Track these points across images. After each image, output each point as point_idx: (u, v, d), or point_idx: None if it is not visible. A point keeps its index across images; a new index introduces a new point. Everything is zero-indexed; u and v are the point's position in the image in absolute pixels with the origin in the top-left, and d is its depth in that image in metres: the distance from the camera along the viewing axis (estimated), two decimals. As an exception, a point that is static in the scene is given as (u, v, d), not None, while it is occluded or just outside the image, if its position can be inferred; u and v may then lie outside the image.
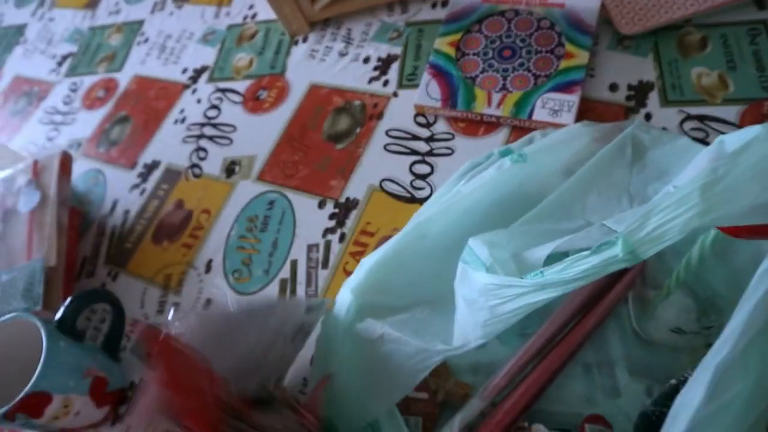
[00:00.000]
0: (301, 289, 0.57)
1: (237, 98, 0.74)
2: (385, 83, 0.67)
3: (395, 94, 0.66)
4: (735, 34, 0.58)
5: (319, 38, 0.75)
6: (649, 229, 0.28)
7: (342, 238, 0.58)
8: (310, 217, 0.61)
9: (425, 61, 0.66)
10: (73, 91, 0.88)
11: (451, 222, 0.48)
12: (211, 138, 0.72)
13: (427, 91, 0.61)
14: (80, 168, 0.78)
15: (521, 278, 0.34)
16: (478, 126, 0.60)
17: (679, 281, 0.41)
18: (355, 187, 0.61)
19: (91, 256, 0.69)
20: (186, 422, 0.33)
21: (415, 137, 0.62)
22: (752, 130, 0.29)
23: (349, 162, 0.63)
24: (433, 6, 0.72)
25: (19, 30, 1.05)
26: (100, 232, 0.70)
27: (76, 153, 0.80)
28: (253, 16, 0.82)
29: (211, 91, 0.77)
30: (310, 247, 0.59)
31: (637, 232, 0.29)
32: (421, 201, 0.57)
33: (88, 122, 0.83)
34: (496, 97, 0.59)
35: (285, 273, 0.59)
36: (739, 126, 0.53)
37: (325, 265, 0.58)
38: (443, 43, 0.64)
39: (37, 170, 0.69)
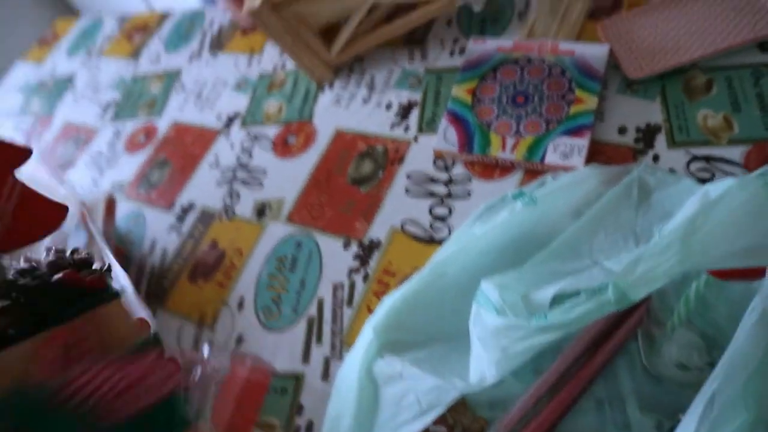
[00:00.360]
0: (327, 327, 0.60)
1: (267, 143, 0.79)
2: (406, 129, 0.71)
3: (415, 139, 0.70)
4: (739, 76, 0.60)
5: (345, 85, 0.80)
6: (637, 275, 0.31)
7: (366, 277, 0.62)
8: (336, 257, 0.64)
9: (444, 107, 0.70)
10: (117, 135, 0.95)
11: (467, 262, 0.51)
12: (243, 181, 0.77)
13: (445, 137, 0.65)
14: (122, 209, 0.83)
15: (528, 320, 0.36)
16: (493, 169, 0.63)
17: (681, 319, 0.43)
18: (378, 229, 0.64)
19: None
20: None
21: (434, 180, 0.65)
22: (728, 182, 0.32)
23: (372, 205, 0.66)
24: (451, 54, 0.76)
25: (70, 79, 1.13)
26: (140, 270, 0.75)
27: (118, 194, 0.85)
28: (283, 65, 0.88)
29: (243, 136, 0.82)
30: (336, 286, 0.62)
31: (626, 278, 0.31)
32: (440, 242, 0.60)
33: (129, 165, 0.89)
34: (510, 141, 0.62)
35: (312, 311, 0.62)
36: (744, 166, 0.55)
37: (349, 303, 0.61)
38: (460, 90, 0.68)
39: (84, 212, 0.74)
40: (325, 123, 0.77)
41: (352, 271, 0.63)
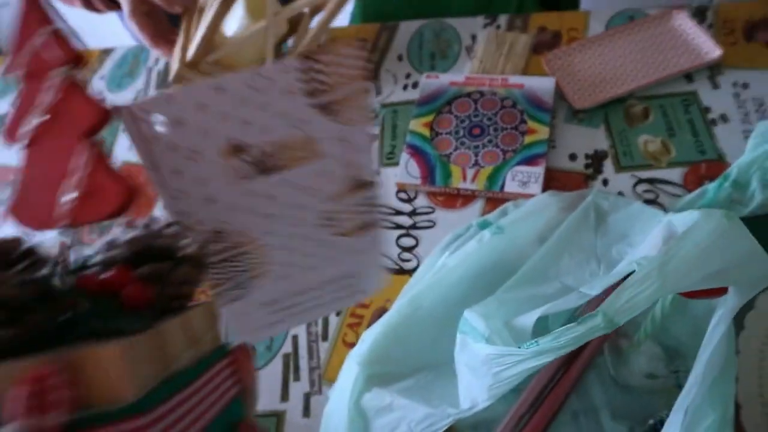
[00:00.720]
0: (303, 363, 0.61)
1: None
2: (367, 162, 0.73)
3: (376, 173, 0.72)
4: (671, 104, 0.66)
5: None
6: (622, 302, 0.34)
7: (338, 311, 0.63)
8: (308, 292, 0.65)
9: (402, 140, 0.73)
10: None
11: (441, 294, 0.53)
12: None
13: (407, 170, 0.67)
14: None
15: (518, 347, 0.39)
16: (455, 199, 0.66)
17: (647, 333, 0.47)
18: (348, 262, 0.66)
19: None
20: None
21: (399, 212, 0.68)
22: (694, 215, 0.36)
23: (340, 238, 0.68)
24: (404, 88, 0.79)
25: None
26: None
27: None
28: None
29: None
30: (309, 322, 0.63)
31: (613, 305, 0.35)
32: (410, 272, 0.62)
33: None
34: (470, 172, 0.65)
35: (287, 348, 0.63)
36: (684, 185, 0.61)
37: (324, 337, 0.62)
38: (418, 124, 0.71)
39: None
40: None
41: (326, 306, 0.64)
